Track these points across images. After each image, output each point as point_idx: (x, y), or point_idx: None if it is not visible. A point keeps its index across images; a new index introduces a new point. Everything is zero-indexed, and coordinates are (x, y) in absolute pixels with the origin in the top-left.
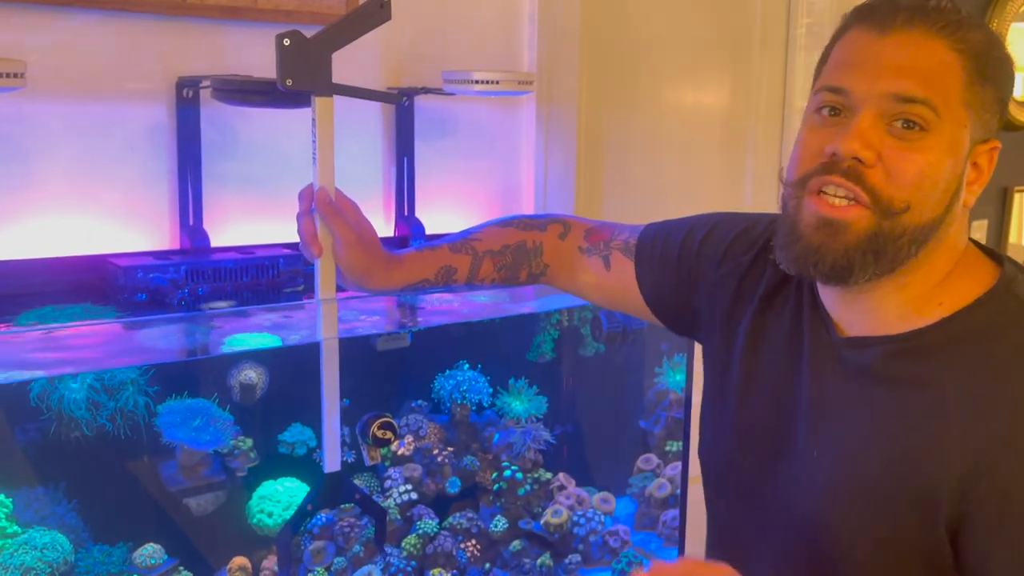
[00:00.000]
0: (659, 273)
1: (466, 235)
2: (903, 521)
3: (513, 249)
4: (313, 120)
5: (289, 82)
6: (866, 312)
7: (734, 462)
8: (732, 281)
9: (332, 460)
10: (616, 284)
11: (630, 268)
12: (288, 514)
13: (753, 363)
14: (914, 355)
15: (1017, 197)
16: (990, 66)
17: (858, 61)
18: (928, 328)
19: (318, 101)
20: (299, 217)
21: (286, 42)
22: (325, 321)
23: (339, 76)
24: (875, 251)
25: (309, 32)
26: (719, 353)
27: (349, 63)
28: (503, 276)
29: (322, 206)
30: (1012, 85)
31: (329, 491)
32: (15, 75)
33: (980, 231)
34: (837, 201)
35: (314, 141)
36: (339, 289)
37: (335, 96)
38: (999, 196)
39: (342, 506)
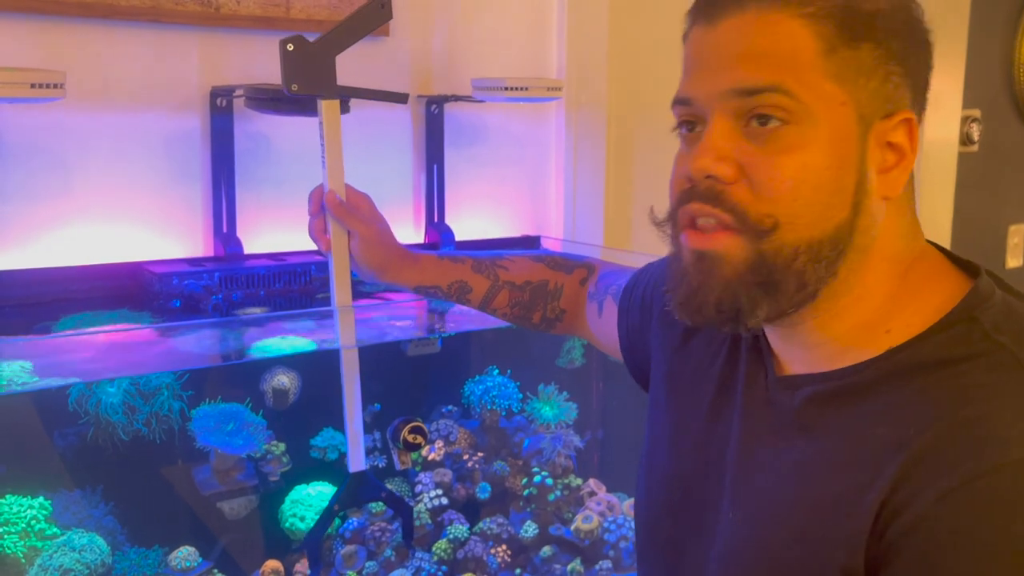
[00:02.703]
0: (632, 316)
1: (495, 257)
2: None
3: (533, 287)
4: (320, 123)
5: (295, 87)
6: (805, 346)
7: (658, 524)
8: (663, 321)
9: (356, 460)
10: (605, 330)
11: (615, 313)
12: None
13: (677, 410)
14: (846, 396)
15: None
16: (860, 22)
17: (697, 63)
18: (869, 363)
19: (324, 104)
20: (310, 218)
21: (289, 47)
22: (342, 328)
23: (369, 84)
24: (762, 283)
25: None
26: (653, 398)
27: (379, 72)
28: (516, 314)
29: (333, 208)
30: (916, 38)
31: (355, 490)
32: (55, 86)
33: (1020, 235)
34: (707, 228)
35: (322, 144)
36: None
37: (368, 103)
38: None
39: (373, 509)
